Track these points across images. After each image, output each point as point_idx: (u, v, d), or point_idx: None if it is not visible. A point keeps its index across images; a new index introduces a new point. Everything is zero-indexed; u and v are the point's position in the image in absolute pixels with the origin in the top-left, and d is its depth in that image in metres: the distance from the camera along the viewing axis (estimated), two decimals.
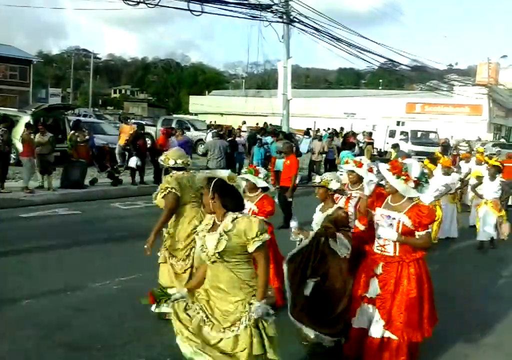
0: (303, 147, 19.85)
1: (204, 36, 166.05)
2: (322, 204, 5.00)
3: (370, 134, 25.67)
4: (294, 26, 19.14)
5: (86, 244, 8.00)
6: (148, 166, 14.48)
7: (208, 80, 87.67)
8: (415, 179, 4.08)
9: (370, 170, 5.41)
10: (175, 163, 5.32)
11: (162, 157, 5.43)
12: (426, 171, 4.26)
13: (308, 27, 19.00)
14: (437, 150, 16.41)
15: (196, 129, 25.17)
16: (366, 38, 24.55)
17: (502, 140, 38.19)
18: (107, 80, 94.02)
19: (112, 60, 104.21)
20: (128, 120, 23.66)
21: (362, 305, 4.30)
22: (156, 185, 14.28)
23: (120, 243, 8.24)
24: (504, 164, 15.29)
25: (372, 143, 23.03)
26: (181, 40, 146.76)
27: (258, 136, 18.71)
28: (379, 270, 4.20)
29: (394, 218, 4.12)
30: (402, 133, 28.75)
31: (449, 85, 41.50)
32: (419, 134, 29.48)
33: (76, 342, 4.69)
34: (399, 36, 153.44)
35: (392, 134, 29.18)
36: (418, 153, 22.32)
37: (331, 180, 4.88)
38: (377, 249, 4.28)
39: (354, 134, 26.68)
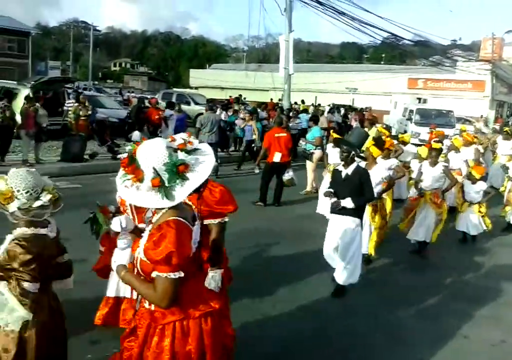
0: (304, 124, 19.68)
1: (205, 8, 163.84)
2: None
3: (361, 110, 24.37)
4: None
5: (86, 217, 7.99)
6: None
7: (208, 53, 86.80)
8: (154, 176, 2.27)
9: None
10: None
11: None
12: (183, 157, 2.33)
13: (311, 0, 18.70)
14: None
15: (196, 103, 25.01)
16: (369, 12, 24.22)
17: None
18: (106, 53, 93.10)
19: (112, 33, 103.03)
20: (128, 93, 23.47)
21: None
22: None
23: None
24: None
25: (374, 122, 21.79)
26: (181, 12, 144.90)
27: (259, 110, 18.61)
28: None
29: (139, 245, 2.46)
30: (410, 111, 24.90)
31: (452, 61, 41.01)
32: (427, 113, 24.86)
33: (75, 314, 4.72)
34: (403, 10, 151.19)
35: (405, 112, 25.94)
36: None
37: None
38: None
39: (356, 110, 26.55)
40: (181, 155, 2.33)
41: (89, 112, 14.14)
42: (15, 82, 17.93)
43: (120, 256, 2.54)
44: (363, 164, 6.27)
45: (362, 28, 21.53)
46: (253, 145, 15.37)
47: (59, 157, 12.54)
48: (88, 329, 4.47)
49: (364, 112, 25.23)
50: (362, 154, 5.93)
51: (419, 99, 26.94)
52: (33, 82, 16.54)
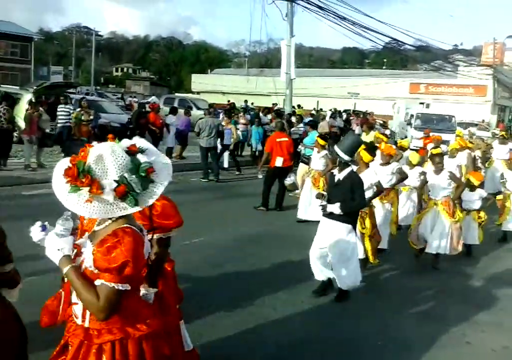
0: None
1: (207, 13, 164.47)
2: None
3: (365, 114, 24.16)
4: (298, 3, 18.87)
5: None
6: None
7: (210, 58, 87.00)
8: (117, 184, 2.06)
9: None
10: None
11: None
12: (146, 159, 2.15)
13: (312, 5, 18.72)
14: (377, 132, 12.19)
15: (198, 108, 25.05)
16: (371, 17, 24.21)
17: None
18: (109, 58, 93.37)
19: (114, 38, 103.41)
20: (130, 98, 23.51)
21: None
22: None
23: None
24: None
25: (372, 127, 21.10)
26: (183, 18, 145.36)
27: (261, 115, 18.62)
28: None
29: (81, 253, 2.23)
30: (411, 116, 24.67)
31: (453, 66, 41.10)
32: (427, 118, 24.27)
33: None
34: (404, 15, 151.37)
35: (407, 117, 25.71)
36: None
37: None
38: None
39: (358, 114, 26.58)
40: (141, 158, 2.14)
41: (91, 117, 14.18)
42: (17, 87, 18.01)
43: (60, 244, 2.20)
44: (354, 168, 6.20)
45: (364, 33, 21.54)
46: (255, 150, 15.35)
47: None
48: None
49: (367, 116, 25.27)
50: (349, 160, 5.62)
51: (422, 103, 26.00)
52: (35, 87, 16.61)
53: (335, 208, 5.29)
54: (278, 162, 9.83)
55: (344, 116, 25.21)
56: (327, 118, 21.16)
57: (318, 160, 9.12)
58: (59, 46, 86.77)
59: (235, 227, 8.52)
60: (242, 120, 17.95)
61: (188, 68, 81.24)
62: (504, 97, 42.89)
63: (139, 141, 2.25)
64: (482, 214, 7.89)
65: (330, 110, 26.91)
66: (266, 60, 71.57)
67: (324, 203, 5.41)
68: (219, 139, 13.19)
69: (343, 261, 5.48)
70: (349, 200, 5.31)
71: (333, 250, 5.42)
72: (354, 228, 5.57)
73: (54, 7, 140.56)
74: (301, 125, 16.79)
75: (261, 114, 18.95)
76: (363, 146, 6.35)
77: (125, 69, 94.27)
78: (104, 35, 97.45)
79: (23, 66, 45.47)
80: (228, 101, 29.37)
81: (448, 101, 38.98)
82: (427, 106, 26.11)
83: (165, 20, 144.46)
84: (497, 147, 13.32)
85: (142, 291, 2.71)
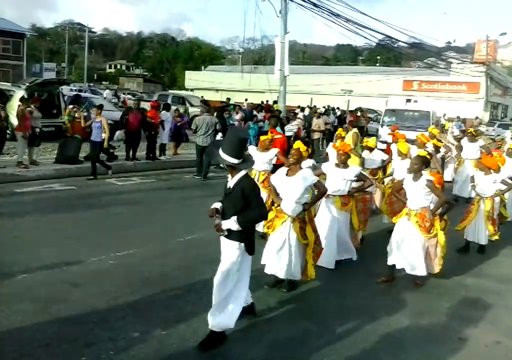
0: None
1: (200, 10, 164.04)
2: None
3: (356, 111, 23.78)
4: (292, 0, 18.85)
5: (82, 219, 8.01)
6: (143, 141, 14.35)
7: (204, 55, 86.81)
8: None
9: None
10: None
11: None
12: None
13: (306, 2, 18.71)
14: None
15: (191, 105, 25.00)
16: (365, 14, 24.18)
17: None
18: (102, 55, 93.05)
19: (107, 35, 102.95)
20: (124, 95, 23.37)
21: None
22: (149, 161, 14.16)
23: (115, 219, 8.25)
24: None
25: (355, 125, 17.93)
26: (176, 14, 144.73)
27: (255, 112, 18.63)
28: None
29: None
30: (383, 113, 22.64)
31: (446, 63, 41.29)
32: (398, 114, 21.53)
33: (72, 316, 4.72)
34: (398, 12, 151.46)
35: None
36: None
37: None
38: None
39: (352, 112, 26.59)
40: None
41: (85, 114, 14.06)
42: (9, 84, 17.88)
43: None
44: (284, 170, 5.73)
45: (358, 30, 21.57)
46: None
47: (54, 159, 12.46)
48: (83, 331, 4.45)
49: (357, 114, 25.19)
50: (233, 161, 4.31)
51: (409, 100, 24.52)
52: (27, 84, 16.49)
53: (231, 223, 4.23)
54: None
55: (338, 112, 25.20)
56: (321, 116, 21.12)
57: (261, 158, 8.26)
58: (52, 42, 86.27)
59: None
60: (236, 117, 17.95)
61: (181, 65, 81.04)
62: (497, 94, 43.15)
63: None
64: (442, 223, 6.47)
65: (324, 107, 26.88)
66: (260, 57, 71.50)
67: (218, 221, 4.34)
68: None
69: (224, 290, 4.35)
70: (245, 211, 4.24)
71: (219, 275, 4.37)
72: (248, 247, 4.40)
73: (47, 3, 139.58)
74: (295, 122, 16.80)
75: (254, 112, 18.94)
76: (299, 142, 5.78)
77: (118, 66, 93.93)
78: (97, 31, 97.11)
79: (15, 63, 45.26)
80: (202, 96, 28.48)
81: (442, 98, 39.11)
82: (415, 102, 24.93)
83: (158, 17, 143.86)
84: (466, 146, 12.11)
85: None
